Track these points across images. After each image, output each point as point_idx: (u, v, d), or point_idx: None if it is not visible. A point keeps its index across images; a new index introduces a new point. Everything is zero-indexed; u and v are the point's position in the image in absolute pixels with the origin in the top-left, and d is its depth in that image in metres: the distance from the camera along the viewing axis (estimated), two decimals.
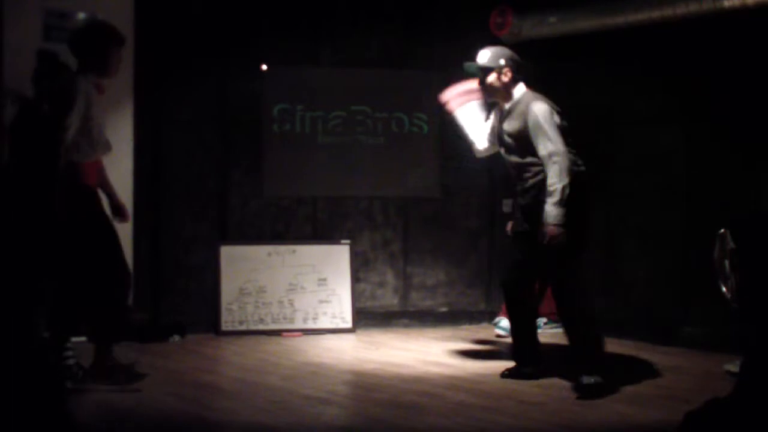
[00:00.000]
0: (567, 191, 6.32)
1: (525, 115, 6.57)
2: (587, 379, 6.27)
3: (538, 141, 6.47)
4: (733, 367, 6.26)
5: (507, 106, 6.73)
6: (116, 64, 6.39)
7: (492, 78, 6.73)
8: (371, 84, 8.88)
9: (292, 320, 8.49)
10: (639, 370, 7.02)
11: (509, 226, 7.55)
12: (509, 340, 7.26)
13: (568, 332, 6.57)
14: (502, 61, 6.72)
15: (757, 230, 4.50)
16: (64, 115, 6.03)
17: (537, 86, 8.51)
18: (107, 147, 6.42)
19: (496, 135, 6.84)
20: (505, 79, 6.71)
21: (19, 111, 6.06)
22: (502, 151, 6.79)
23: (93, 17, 6.57)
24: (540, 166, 6.49)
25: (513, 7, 8.59)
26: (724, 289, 5.05)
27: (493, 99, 6.86)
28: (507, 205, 8.33)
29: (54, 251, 5.96)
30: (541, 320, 8.30)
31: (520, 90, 6.74)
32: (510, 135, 6.65)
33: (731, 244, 4.85)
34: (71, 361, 6.17)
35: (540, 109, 6.53)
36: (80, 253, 6.14)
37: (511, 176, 6.77)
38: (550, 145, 6.41)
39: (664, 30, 7.78)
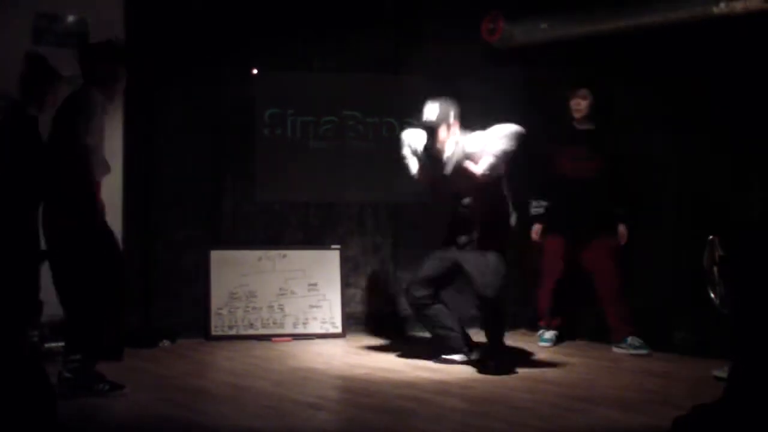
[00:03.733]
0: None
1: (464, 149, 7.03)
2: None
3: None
4: (722, 372, 6.27)
5: (449, 153, 7.07)
6: (122, 86, 6.43)
7: (443, 133, 7.06)
8: (362, 89, 8.88)
9: (282, 325, 8.49)
10: (628, 375, 7.04)
11: (536, 230, 8.04)
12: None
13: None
14: (452, 116, 7.06)
15: (746, 238, 4.52)
16: (84, 124, 6.03)
17: (529, 92, 8.59)
18: (109, 168, 6.41)
19: (439, 182, 7.21)
20: (455, 130, 7.08)
21: (5, 111, 6.06)
22: (452, 194, 7.19)
23: (116, 38, 6.57)
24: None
25: (505, 13, 8.61)
26: (713, 295, 5.07)
27: (439, 149, 7.10)
28: (539, 206, 8.17)
29: (44, 254, 5.97)
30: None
31: (457, 134, 7.11)
32: (462, 177, 7.01)
33: (720, 251, 4.87)
34: (68, 374, 6.15)
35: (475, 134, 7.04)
36: (75, 262, 6.12)
37: (461, 216, 7.21)
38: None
39: (656, 36, 7.80)
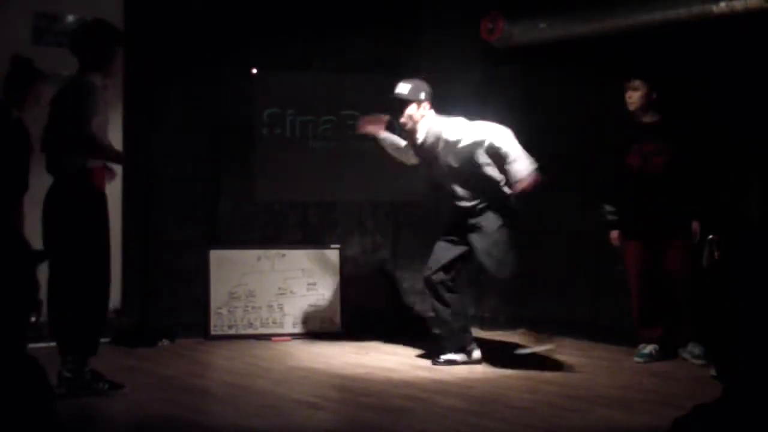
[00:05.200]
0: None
1: (461, 134, 7.05)
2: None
3: (501, 147, 6.98)
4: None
5: (422, 137, 7.14)
6: (119, 63, 6.43)
7: (412, 110, 7.11)
8: (361, 89, 8.87)
9: (281, 324, 8.49)
10: (627, 375, 7.03)
11: (614, 237, 7.66)
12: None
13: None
14: (423, 95, 7.13)
15: (746, 238, 4.52)
16: (88, 116, 6.06)
17: (528, 91, 8.57)
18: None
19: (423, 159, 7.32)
20: (424, 112, 7.12)
21: None
22: (437, 175, 7.26)
23: (93, 18, 6.59)
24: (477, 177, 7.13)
25: (504, 13, 8.61)
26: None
27: (407, 129, 7.21)
28: (611, 212, 7.68)
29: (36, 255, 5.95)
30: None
31: (432, 119, 7.16)
32: (448, 161, 7.09)
33: (720, 251, 4.88)
34: (67, 373, 6.15)
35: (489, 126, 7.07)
36: (74, 260, 6.13)
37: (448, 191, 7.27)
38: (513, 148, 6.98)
39: (655, 35, 7.80)
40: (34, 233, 6.14)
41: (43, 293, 6.13)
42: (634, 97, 7.55)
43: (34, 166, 6.34)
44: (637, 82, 7.55)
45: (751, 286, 4.35)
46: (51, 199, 6.19)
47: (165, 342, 8.05)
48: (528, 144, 7.14)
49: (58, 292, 6.16)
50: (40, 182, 6.31)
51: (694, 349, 7.41)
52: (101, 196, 6.26)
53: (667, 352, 7.55)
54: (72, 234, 6.11)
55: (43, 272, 6.09)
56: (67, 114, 6.10)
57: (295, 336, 8.44)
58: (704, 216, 7.43)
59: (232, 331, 8.36)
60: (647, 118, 7.60)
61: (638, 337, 7.64)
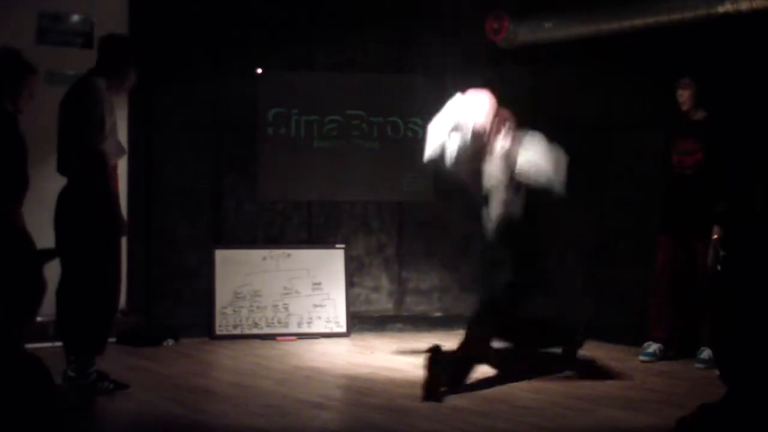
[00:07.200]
0: None
1: None
2: None
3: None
4: None
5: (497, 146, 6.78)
6: (129, 89, 6.46)
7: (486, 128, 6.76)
8: (366, 88, 8.89)
9: (286, 324, 8.49)
10: (631, 375, 7.03)
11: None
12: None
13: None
14: (492, 109, 6.76)
15: (747, 237, 4.52)
16: (100, 121, 6.07)
17: (533, 91, 8.55)
18: (124, 150, 6.46)
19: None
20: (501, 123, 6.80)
21: None
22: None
23: (114, 33, 6.61)
24: None
25: (509, 13, 8.60)
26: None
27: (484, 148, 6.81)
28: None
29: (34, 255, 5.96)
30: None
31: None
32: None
33: (723, 251, 4.87)
34: (72, 372, 6.15)
35: None
36: (87, 260, 6.13)
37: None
38: None
39: (660, 35, 7.79)
40: (37, 233, 6.15)
41: (50, 292, 6.17)
42: (684, 96, 7.55)
43: (32, 165, 6.33)
44: (685, 81, 7.53)
45: (753, 284, 4.35)
46: (64, 199, 6.19)
47: (170, 342, 8.06)
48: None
49: (69, 292, 6.16)
50: (39, 183, 6.32)
51: (706, 354, 7.23)
52: (113, 196, 6.26)
53: (673, 351, 7.54)
54: (85, 234, 6.11)
55: (50, 270, 6.15)
56: (75, 123, 6.11)
57: (299, 336, 8.44)
58: (730, 219, 7.35)
59: (237, 331, 8.37)
60: (697, 116, 7.58)
61: (650, 334, 7.61)
